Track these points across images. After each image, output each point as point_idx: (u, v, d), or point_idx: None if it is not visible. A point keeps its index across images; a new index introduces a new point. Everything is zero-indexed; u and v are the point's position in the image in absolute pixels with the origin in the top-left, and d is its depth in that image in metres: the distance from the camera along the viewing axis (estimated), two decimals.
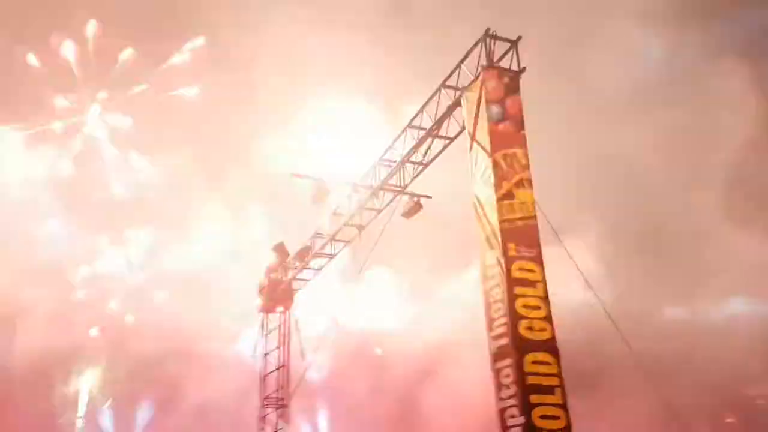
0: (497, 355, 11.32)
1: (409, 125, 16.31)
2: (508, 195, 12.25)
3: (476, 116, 13.21)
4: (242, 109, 32.15)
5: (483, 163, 12.75)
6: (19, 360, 33.79)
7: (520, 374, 10.81)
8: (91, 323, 37.10)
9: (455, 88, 14.36)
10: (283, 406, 21.75)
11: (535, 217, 12.19)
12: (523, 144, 12.78)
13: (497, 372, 11.23)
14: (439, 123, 15.34)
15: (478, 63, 13.48)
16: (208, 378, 32.18)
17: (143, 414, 35.90)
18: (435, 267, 31.23)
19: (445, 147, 15.84)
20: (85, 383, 36.87)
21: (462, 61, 14.00)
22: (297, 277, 22.66)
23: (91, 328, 37.18)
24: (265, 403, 22.03)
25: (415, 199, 17.80)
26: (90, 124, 32.70)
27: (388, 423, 30.92)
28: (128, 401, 35.94)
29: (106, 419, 36.58)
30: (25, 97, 32.17)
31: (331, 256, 21.25)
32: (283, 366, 22.05)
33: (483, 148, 12.86)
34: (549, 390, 10.83)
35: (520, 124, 12.90)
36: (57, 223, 34.03)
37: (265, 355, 22.71)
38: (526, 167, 12.56)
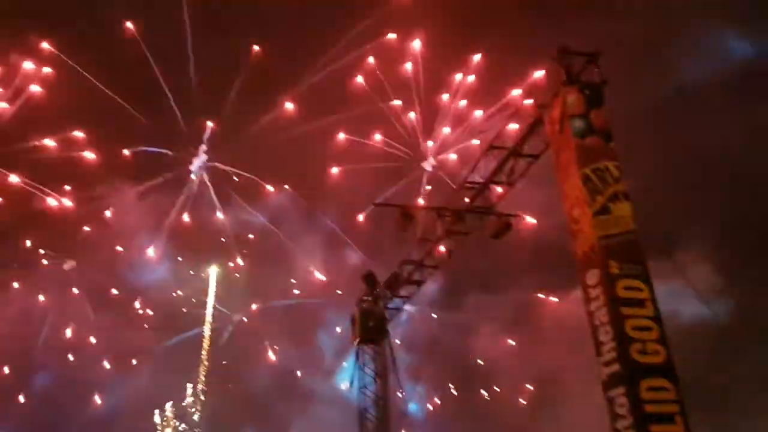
0: (609, 383, 10.64)
1: (491, 146, 16.04)
2: (604, 210, 11.66)
3: (560, 132, 12.78)
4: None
5: (572, 179, 12.24)
6: (131, 397, 35.82)
7: (636, 402, 10.10)
8: (197, 360, 38.93)
9: (535, 106, 14.03)
10: None
11: (635, 231, 11.50)
12: (613, 156, 12.17)
13: (611, 401, 10.54)
14: (521, 141, 15.00)
15: (556, 78, 13.10)
16: (308, 413, 32.62)
17: None
18: (537, 289, 30.16)
19: (529, 165, 15.44)
20: (192, 418, 38.48)
21: (539, 78, 13.71)
22: (388, 306, 22.51)
23: (199, 366, 39.00)
24: None
25: (503, 219, 17.36)
26: (197, 169, 33.91)
27: None
28: None
29: None
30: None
31: (421, 283, 20.99)
32: (381, 399, 21.57)
33: (570, 163, 12.38)
34: (669, 418, 10.05)
35: (607, 137, 12.32)
36: (166, 268, 36.06)
37: (362, 388, 22.08)
38: (620, 179, 11.93)
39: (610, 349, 10.69)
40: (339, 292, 33.44)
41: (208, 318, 38.75)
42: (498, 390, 31.76)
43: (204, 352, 38.62)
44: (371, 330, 22.78)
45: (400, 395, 21.55)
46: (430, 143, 32.25)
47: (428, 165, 31.60)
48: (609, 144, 12.26)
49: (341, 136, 31.44)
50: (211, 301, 38.98)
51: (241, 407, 36.10)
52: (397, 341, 23.17)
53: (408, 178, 32.38)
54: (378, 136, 32.11)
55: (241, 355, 37.54)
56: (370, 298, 22.98)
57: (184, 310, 38.21)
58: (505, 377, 30.63)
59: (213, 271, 39.49)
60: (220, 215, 34.08)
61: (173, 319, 37.91)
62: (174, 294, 37.65)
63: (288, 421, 34.49)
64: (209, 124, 33.58)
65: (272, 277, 36.03)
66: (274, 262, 35.56)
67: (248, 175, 33.52)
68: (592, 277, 11.42)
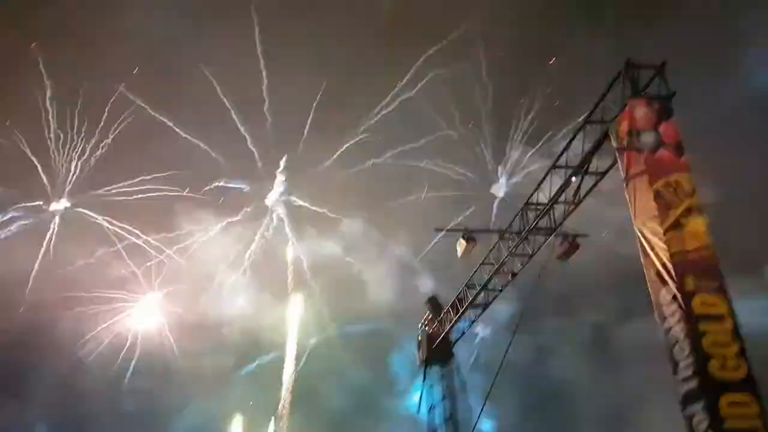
0: (687, 400, 10.37)
1: (555, 165, 15.99)
2: (676, 225, 11.46)
3: (628, 147, 12.68)
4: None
5: (643, 195, 12.12)
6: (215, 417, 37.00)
7: (716, 419, 9.83)
8: (280, 384, 39.92)
9: (600, 122, 13.97)
10: None
11: (711, 246, 11.22)
12: (685, 169, 11.95)
13: (689, 419, 10.27)
14: (587, 159, 14.91)
15: (622, 93, 13.06)
16: None
17: None
18: (611, 310, 29.29)
19: (596, 183, 15.30)
20: None
21: (605, 94, 13.61)
22: (452, 328, 22.54)
23: (282, 388, 39.95)
24: None
25: (570, 239, 17.23)
26: (273, 204, 35.56)
27: None
28: None
29: None
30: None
31: (485, 306, 20.98)
32: (450, 419, 21.59)
33: (641, 179, 12.27)
34: None
35: (679, 150, 12.13)
36: (246, 299, 37.47)
37: (431, 408, 22.34)
38: (693, 193, 11.69)
39: (687, 365, 10.45)
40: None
41: (292, 344, 39.57)
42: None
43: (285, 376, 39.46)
44: (436, 352, 22.96)
45: (470, 414, 21.43)
46: (500, 168, 32.42)
47: (500, 190, 31.60)
48: (680, 157, 12.07)
49: (411, 164, 32.23)
50: (293, 330, 39.53)
51: (320, 428, 36.84)
52: (469, 363, 23.16)
53: (480, 203, 32.61)
54: (449, 164, 32.69)
55: (318, 378, 38.27)
56: (434, 322, 23.15)
57: (263, 337, 39.30)
58: (583, 401, 29.68)
59: (297, 301, 40.11)
60: (295, 246, 35.41)
61: (252, 346, 39.09)
62: (253, 323, 38.91)
63: None
64: (283, 159, 35.36)
65: (347, 303, 36.85)
66: (348, 290, 36.42)
67: (320, 210, 34.85)
68: (666, 295, 11.20)
